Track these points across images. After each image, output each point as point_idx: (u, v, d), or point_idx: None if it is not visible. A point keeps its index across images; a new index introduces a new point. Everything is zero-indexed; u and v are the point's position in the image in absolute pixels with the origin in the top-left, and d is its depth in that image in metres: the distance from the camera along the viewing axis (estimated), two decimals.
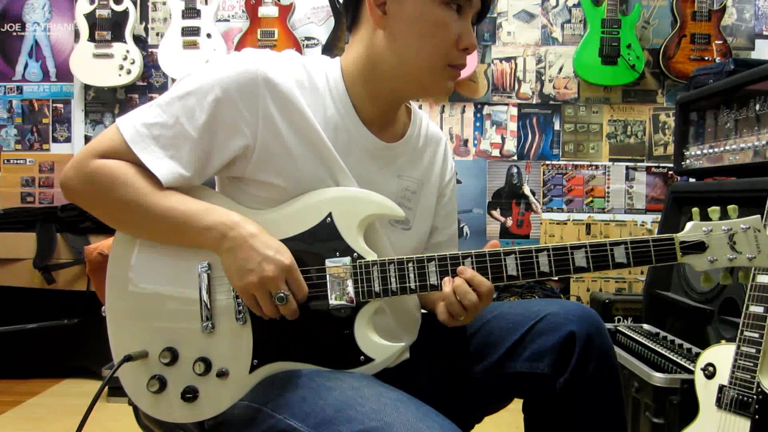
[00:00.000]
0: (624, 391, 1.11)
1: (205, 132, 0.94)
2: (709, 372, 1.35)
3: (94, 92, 3.25)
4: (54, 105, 3.28)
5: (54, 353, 2.81)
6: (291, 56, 1.01)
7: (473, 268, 0.95)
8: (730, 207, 0.96)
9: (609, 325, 2.12)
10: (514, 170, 3.17)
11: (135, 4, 3.14)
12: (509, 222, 3.17)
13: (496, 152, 3.18)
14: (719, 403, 1.32)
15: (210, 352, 0.95)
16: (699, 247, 0.94)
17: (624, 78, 2.99)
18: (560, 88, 3.16)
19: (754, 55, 3.10)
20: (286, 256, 0.91)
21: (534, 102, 3.17)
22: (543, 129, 3.18)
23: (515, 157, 3.18)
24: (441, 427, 0.79)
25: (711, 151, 2.02)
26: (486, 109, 3.18)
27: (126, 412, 1.06)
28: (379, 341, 0.95)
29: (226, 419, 0.95)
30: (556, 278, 3.01)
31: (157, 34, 3.22)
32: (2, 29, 3.28)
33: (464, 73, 3.02)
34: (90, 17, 3.06)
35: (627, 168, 3.16)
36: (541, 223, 3.16)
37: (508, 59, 3.17)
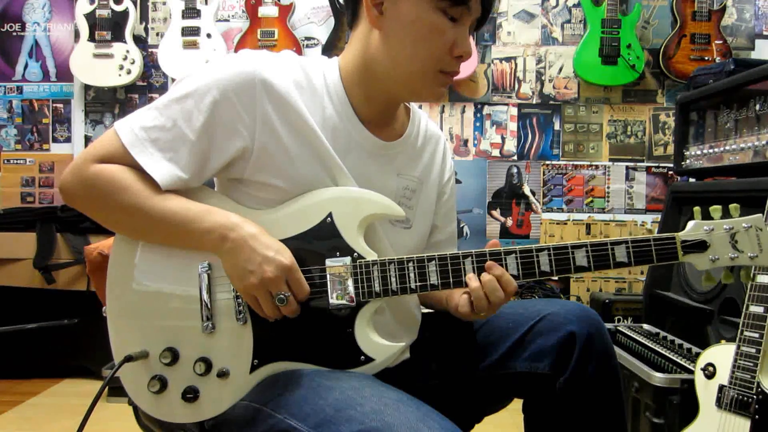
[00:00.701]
0: (624, 391, 1.11)
1: (203, 134, 0.94)
2: (709, 372, 1.35)
3: (94, 92, 3.25)
4: (54, 105, 3.28)
5: (54, 353, 2.81)
6: (288, 57, 1.01)
7: (473, 268, 0.95)
8: (732, 206, 0.95)
9: (609, 325, 2.12)
10: (514, 170, 3.17)
11: (135, 4, 3.14)
12: (509, 222, 3.17)
13: (496, 152, 3.18)
14: (719, 403, 1.32)
15: (210, 352, 0.95)
16: (700, 246, 0.94)
17: (624, 78, 2.99)
18: (560, 88, 3.17)
19: (754, 55, 3.10)
20: (286, 257, 0.91)
21: (534, 102, 3.17)
22: (543, 129, 3.18)
23: (515, 157, 3.18)
24: (441, 427, 0.79)
25: (711, 151, 2.02)
26: (486, 109, 3.18)
27: (126, 412, 1.06)
28: (380, 341, 0.95)
29: (227, 419, 0.95)
30: (557, 278, 3.01)
31: (157, 34, 3.22)
32: (2, 29, 3.28)
33: (464, 74, 3.02)
34: (90, 17, 3.06)
35: (627, 168, 3.16)
36: (541, 223, 3.16)
37: (508, 59, 3.17)
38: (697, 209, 0.97)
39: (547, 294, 2.97)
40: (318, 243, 0.96)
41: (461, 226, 3.15)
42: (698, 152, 2.09)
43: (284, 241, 0.94)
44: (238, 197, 1.00)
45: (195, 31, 3.03)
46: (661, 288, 2.13)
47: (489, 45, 3.17)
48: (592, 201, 3.16)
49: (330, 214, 0.96)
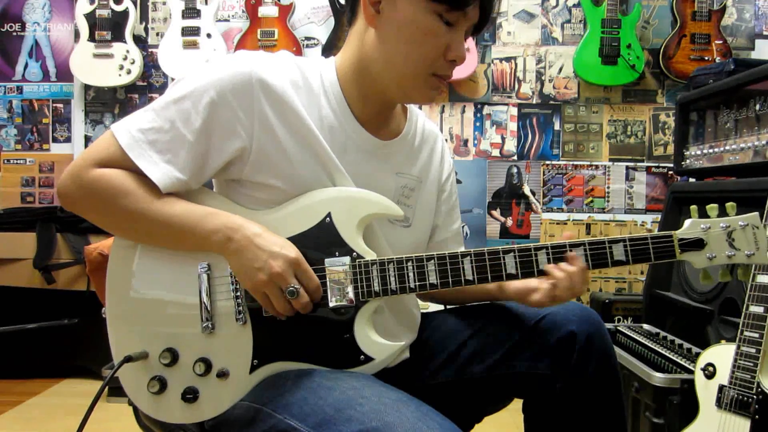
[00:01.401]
0: (624, 391, 1.11)
1: (202, 135, 0.94)
2: (709, 372, 1.35)
3: (94, 92, 3.25)
4: (54, 105, 3.28)
5: (54, 353, 2.81)
6: (285, 57, 1.01)
7: (472, 267, 0.95)
8: (729, 204, 0.96)
9: (609, 325, 2.12)
10: (514, 170, 3.17)
11: (135, 4, 3.14)
12: (509, 222, 3.17)
13: (496, 152, 3.18)
14: (719, 403, 1.32)
15: (210, 353, 0.95)
16: (697, 244, 0.94)
17: (624, 78, 2.99)
18: (560, 88, 3.16)
19: (754, 55, 3.10)
20: (291, 250, 0.91)
21: (534, 102, 3.17)
22: (543, 129, 3.18)
23: (515, 157, 3.18)
24: (441, 427, 0.79)
25: (711, 151, 2.02)
26: (486, 109, 3.18)
27: (126, 412, 1.06)
28: (379, 340, 0.95)
29: (227, 419, 0.95)
30: None
31: (157, 34, 3.22)
32: (2, 29, 3.28)
33: (464, 74, 3.02)
34: (90, 17, 3.06)
35: (627, 168, 3.16)
36: (541, 223, 3.16)
37: (508, 59, 3.17)
38: (693, 208, 0.97)
39: None
40: (317, 243, 0.96)
41: (461, 226, 3.15)
42: (698, 152, 2.09)
43: None
44: (237, 198, 1.00)
45: (195, 31, 3.03)
46: (661, 288, 2.13)
47: (489, 45, 3.17)
48: (592, 201, 3.16)
49: (329, 214, 0.96)
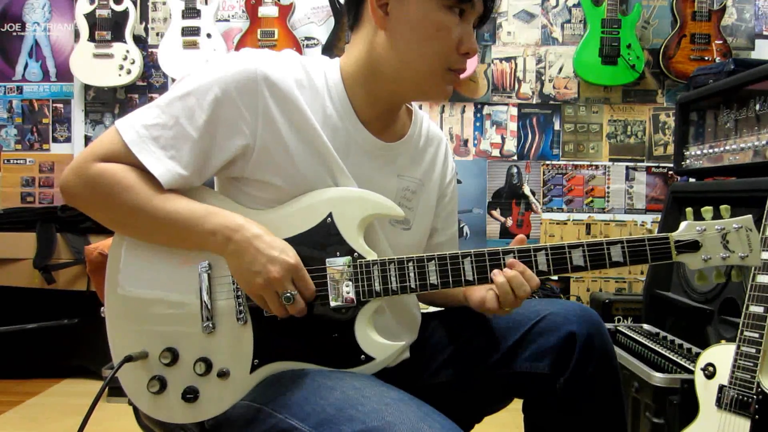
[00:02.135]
0: (624, 391, 1.11)
1: (205, 132, 0.94)
2: (709, 372, 1.35)
3: (94, 92, 3.25)
4: (54, 105, 3.28)
5: (54, 353, 2.81)
6: (290, 55, 1.01)
7: (472, 267, 0.95)
8: (723, 207, 0.97)
9: (609, 325, 2.12)
10: (514, 170, 3.18)
11: (135, 4, 3.14)
12: (509, 222, 3.17)
13: (496, 152, 3.18)
14: (719, 403, 1.32)
15: (210, 352, 0.95)
16: (693, 246, 0.96)
17: (624, 78, 2.99)
18: (560, 88, 3.17)
19: (754, 55, 3.10)
20: (290, 256, 0.91)
21: (534, 102, 3.17)
22: (543, 129, 3.18)
23: (515, 157, 3.18)
24: (442, 426, 0.79)
25: (711, 151, 2.02)
26: (486, 109, 3.18)
27: (126, 412, 1.06)
28: (380, 340, 0.95)
29: (227, 419, 0.95)
30: (555, 277, 3.01)
31: (157, 34, 3.22)
32: (2, 29, 3.28)
33: (464, 74, 3.02)
34: (90, 17, 3.06)
35: (627, 168, 3.16)
36: (541, 223, 3.16)
37: (508, 59, 3.17)
38: (689, 210, 0.99)
39: (547, 294, 2.97)
40: (318, 243, 0.96)
41: (461, 226, 3.15)
42: (698, 152, 2.09)
43: (285, 241, 0.94)
44: (239, 197, 1.00)
45: (195, 31, 3.03)
46: (661, 288, 2.13)
47: (489, 45, 3.17)
48: (592, 201, 3.16)
49: (330, 215, 0.96)
